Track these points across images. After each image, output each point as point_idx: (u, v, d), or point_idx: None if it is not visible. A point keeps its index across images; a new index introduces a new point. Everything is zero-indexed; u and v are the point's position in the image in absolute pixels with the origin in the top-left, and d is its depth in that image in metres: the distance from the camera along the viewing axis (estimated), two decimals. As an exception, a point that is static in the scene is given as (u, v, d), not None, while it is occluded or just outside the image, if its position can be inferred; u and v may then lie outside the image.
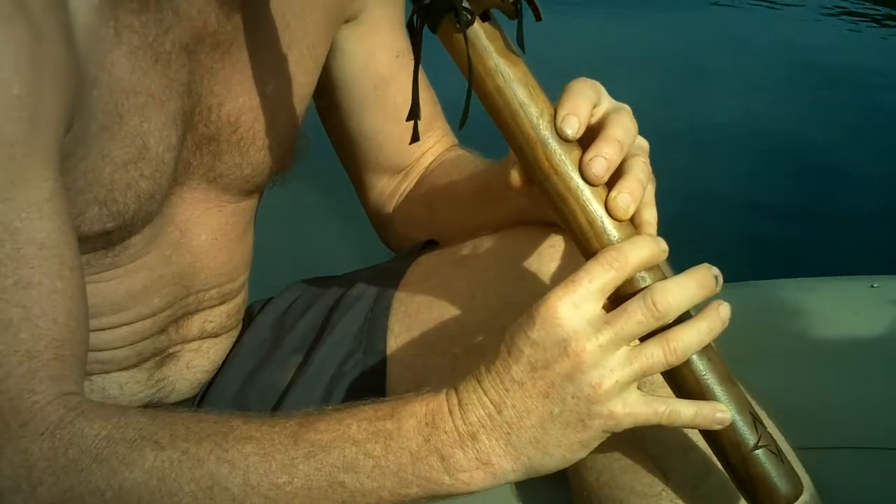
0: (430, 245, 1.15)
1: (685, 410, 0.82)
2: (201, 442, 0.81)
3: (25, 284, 0.80)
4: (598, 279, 0.80)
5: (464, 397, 0.82)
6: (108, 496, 0.79)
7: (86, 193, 0.92)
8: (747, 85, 3.98)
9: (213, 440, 0.81)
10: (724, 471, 0.87)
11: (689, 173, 3.06)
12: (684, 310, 0.82)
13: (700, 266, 0.83)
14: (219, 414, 0.84)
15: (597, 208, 0.83)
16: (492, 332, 0.99)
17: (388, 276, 1.12)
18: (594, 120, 0.86)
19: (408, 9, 0.84)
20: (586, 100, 0.85)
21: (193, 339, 1.09)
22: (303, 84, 1.07)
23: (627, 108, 0.88)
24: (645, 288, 0.81)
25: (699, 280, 0.82)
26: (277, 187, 1.12)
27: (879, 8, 5.08)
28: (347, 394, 1.08)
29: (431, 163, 1.22)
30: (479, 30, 0.82)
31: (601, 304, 0.81)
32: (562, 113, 0.84)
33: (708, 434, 0.85)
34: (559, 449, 0.81)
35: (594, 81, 0.88)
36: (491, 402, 0.81)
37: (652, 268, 0.83)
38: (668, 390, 0.85)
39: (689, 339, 0.81)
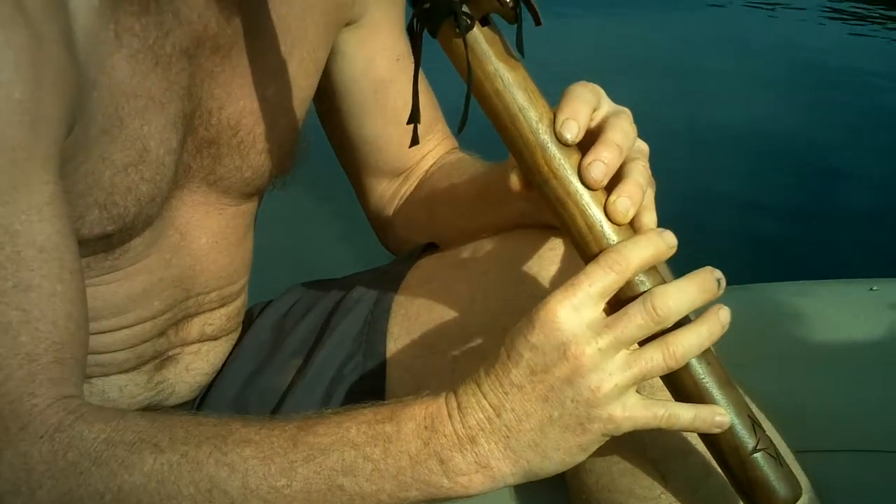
0: (430, 248, 1.15)
1: (684, 414, 0.82)
2: (200, 445, 0.80)
3: (25, 287, 0.80)
4: (598, 282, 0.80)
5: (463, 401, 0.82)
6: (107, 499, 0.79)
7: (86, 197, 0.92)
8: (747, 85, 3.98)
9: (212, 443, 0.81)
10: (723, 474, 0.86)
11: (689, 173, 3.06)
12: (685, 314, 0.81)
13: (702, 269, 0.82)
14: (218, 417, 0.84)
15: (596, 212, 0.83)
16: (492, 335, 0.99)
17: (388, 279, 1.12)
18: (594, 124, 0.86)
19: (408, 12, 0.84)
20: (586, 104, 0.85)
21: (193, 342, 1.09)
22: (303, 87, 1.07)
23: (627, 111, 0.88)
24: (645, 292, 0.81)
25: (700, 284, 0.81)
26: (278, 190, 1.12)
27: (874, 7, 5.08)
28: (347, 397, 1.08)
29: (431, 166, 1.22)
30: (478, 34, 0.82)
31: (601, 308, 0.80)
32: (561, 117, 0.83)
33: (707, 437, 0.85)
34: (558, 452, 0.81)
35: (594, 85, 0.87)
36: (490, 405, 0.81)
37: (652, 272, 0.82)
38: (667, 394, 0.85)
39: (688, 344, 0.81)
